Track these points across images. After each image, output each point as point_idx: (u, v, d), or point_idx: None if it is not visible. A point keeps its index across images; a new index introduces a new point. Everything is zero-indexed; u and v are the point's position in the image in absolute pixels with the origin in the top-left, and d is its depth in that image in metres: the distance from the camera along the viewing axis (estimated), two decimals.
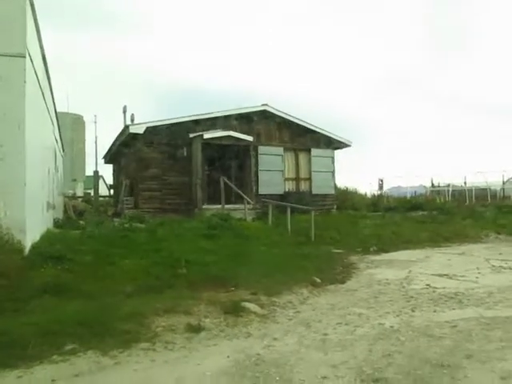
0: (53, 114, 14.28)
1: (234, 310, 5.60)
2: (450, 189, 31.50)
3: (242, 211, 15.04)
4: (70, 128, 27.26)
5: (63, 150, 22.06)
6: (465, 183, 32.11)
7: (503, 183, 30.99)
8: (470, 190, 30.17)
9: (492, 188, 30.96)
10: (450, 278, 8.06)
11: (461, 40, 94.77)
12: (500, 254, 10.80)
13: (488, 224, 16.25)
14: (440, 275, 8.28)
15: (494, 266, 9.20)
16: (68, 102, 37.20)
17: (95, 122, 33.17)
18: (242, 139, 16.76)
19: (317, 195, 19.01)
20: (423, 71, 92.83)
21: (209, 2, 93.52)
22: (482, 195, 29.30)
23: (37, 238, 8.60)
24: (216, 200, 16.02)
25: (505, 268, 8.90)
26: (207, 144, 16.35)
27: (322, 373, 3.76)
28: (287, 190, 18.65)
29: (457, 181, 32.59)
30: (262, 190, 17.55)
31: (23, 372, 3.78)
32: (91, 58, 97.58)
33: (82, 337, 4.44)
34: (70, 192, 28.24)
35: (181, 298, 5.92)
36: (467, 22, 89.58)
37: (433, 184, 34.39)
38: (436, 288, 7.14)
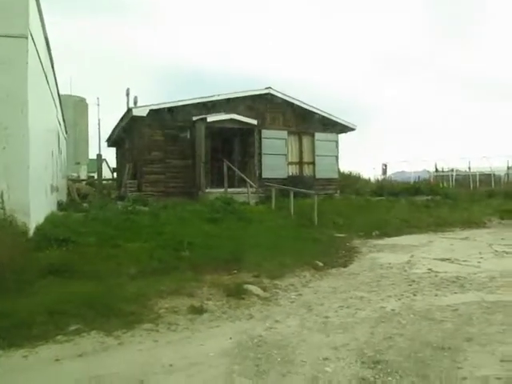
0: (56, 97, 14.22)
1: (237, 293, 5.65)
2: (454, 174, 31.35)
3: (245, 195, 15.03)
4: (73, 111, 27.14)
5: (66, 133, 22.02)
6: (469, 168, 31.95)
7: (508, 168, 30.77)
8: (474, 175, 30.06)
9: (496, 173, 30.78)
10: (452, 262, 8.07)
11: (468, 20, 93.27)
12: (503, 239, 10.80)
13: (491, 209, 16.23)
14: (442, 260, 8.29)
15: (496, 250, 9.21)
16: (71, 84, 36.88)
17: (98, 105, 33.09)
18: (245, 122, 16.63)
19: (320, 179, 18.96)
20: (428, 54, 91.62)
21: None
22: (487, 180, 29.19)
23: (41, 220, 8.64)
24: (219, 184, 16.01)
25: (507, 253, 8.91)
26: (211, 127, 16.27)
27: (323, 354, 3.80)
28: (290, 174, 18.58)
29: (461, 166, 32.48)
30: (266, 174, 17.48)
31: (28, 351, 3.83)
32: (94, 42, 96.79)
33: (86, 317, 4.50)
34: (74, 175, 28.28)
35: (184, 280, 5.98)
36: None
37: (437, 169, 34.19)
38: (438, 272, 7.16)
